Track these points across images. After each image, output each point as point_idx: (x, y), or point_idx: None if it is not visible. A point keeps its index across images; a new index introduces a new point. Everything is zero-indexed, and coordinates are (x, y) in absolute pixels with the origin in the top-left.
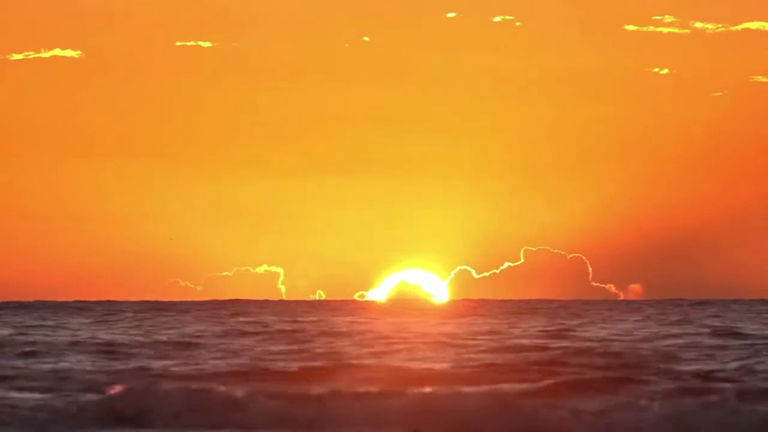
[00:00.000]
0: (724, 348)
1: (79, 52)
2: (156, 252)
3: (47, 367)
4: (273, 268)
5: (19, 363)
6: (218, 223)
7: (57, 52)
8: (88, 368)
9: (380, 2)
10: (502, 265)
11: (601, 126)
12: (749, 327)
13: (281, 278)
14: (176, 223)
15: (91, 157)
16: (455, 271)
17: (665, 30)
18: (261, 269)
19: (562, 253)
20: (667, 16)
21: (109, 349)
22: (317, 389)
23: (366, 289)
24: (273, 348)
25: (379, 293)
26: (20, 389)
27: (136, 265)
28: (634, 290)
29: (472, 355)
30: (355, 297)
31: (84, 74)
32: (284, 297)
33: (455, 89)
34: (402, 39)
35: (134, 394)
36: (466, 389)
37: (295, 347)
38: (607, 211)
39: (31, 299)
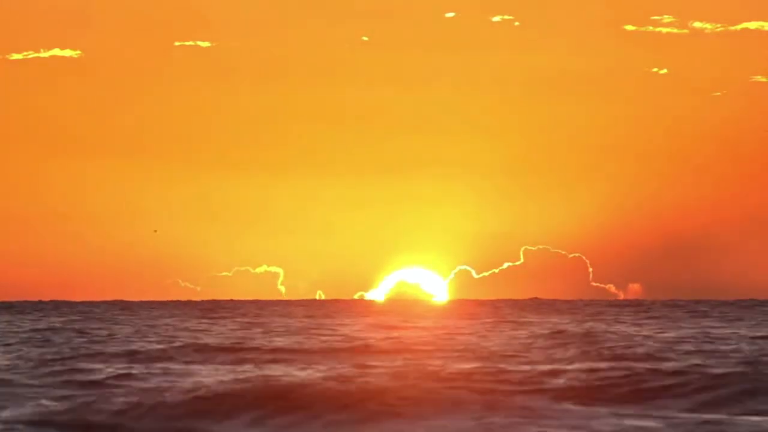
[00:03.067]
0: None
1: (78, 52)
2: (155, 252)
3: None
4: (273, 269)
5: None
6: (218, 224)
7: (56, 52)
8: None
9: (380, 2)
10: (502, 265)
11: (600, 126)
12: None
13: (281, 278)
14: (176, 223)
15: (89, 157)
16: (455, 270)
17: (664, 30)
18: (261, 269)
19: (563, 252)
20: (666, 16)
21: None
22: None
23: (366, 289)
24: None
25: (378, 293)
26: None
27: (135, 265)
28: (634, 290)
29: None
30: (355, 297)
31: (83, 74)
32: (284, 297)
33: (454, 89)
34: (401, 39)
35: None
36: None
37: None
38: (607, 211)
39: (20, 299)
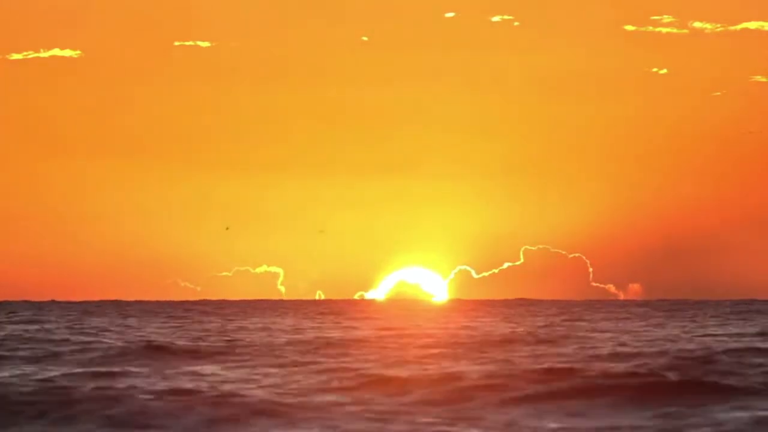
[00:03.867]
0: None
1: (78, 52)
2: (155, 252)
3: None
4: (273, 269)
5: None
6: (218, 224)
7: (56, 52)
8: None
9: (380, 2)
10: (502, 265)
11: (600, 126)
12: None
13: (281, 278)
14: (176, 223)
15: (89, 157)
16: (455, 270)
17: (664, 30)
18: (261, 269)
19: (563, 252)
20: (665, 16)
21: None
22: None
23: (366, 289)
24: None
25: (378, 293)
26: None
27: (135, 265)
28: (634, 290)
29: None
30: (355, 297)
31: (83, 74)
32: (284, 297)
33: (454, 89)
34: (401, 39)
35: None
36: None
37: None
38: (607, 211)
39: (20, 299)
